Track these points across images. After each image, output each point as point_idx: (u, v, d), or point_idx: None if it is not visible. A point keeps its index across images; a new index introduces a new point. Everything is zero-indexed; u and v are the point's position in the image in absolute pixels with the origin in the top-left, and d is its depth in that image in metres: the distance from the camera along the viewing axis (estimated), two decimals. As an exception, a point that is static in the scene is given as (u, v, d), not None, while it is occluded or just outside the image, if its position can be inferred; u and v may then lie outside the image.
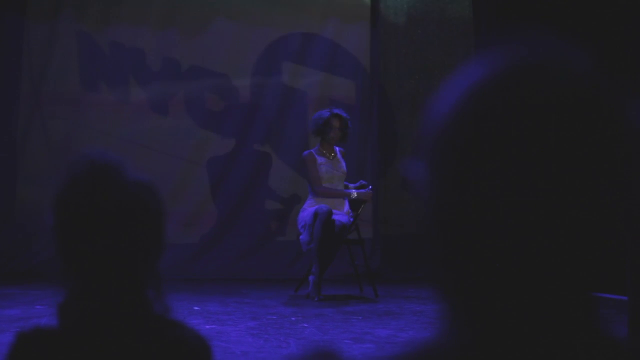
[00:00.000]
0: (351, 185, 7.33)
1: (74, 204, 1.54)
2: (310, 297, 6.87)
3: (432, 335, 0.82)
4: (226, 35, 9.03)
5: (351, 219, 7.06)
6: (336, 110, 7.28)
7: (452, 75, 0.84)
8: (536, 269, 0.76)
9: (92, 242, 1.54)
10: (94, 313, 1.59)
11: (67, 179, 1.57)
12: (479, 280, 0.79)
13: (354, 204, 7.40)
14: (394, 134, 8.85)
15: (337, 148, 7.35)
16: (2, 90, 8.73)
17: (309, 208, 7.04)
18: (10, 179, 8.76)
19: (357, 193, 7.13)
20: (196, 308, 6.28)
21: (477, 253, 0.78)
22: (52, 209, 1.56)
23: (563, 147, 0.75)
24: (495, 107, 0.77)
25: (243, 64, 9.04)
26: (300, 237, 6.98)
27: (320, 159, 7.18)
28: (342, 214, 7.03)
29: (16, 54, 8.81)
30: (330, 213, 6.72)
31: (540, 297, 0.77)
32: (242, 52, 9.03)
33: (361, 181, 7.43)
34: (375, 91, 8.97)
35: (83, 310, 1.59)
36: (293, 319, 5.85)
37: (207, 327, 5.38)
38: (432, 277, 0.84)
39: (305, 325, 5.59)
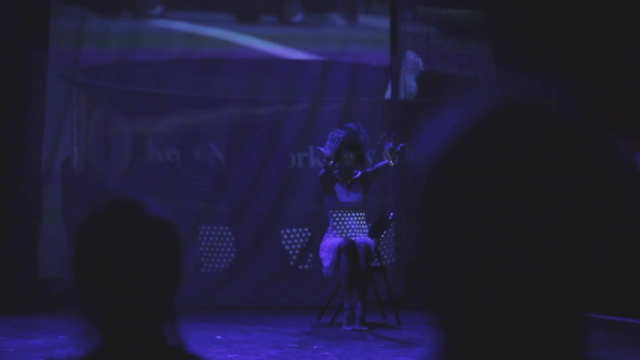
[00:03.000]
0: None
1: (94, 238, 1.58)
2: (333, 324, 6.87)
3: None
4: (248, 64, 9.10)
5: (373, 245, 7.02)
6: (347, 126, 7.22)
7: (444, 112, 0.87)
8: (529, 293, 0.78)
9: (110, 276, 1.57)
10: (110, 345, 1.61)
11: (89, 212, 1.62)
12: (474, 307, 0.80)
13: (374, 232, 7.38)
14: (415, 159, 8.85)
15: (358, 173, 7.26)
16: (28, 120, 8.83)
17: (331, 238, 7.03)
18: (36, 210, 8.83)
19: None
20: (218, 337, 6.28)
21: (470, 280, 0.80)
22: (73, 242, 1.60)
23: (551, 182, 0.77)
24: (486, 145, 0.80)
25: (264, 93, 9.10)
26: (323, 266, 6.98)
27: (337, 185, 7.11)
28: (363, 238, 7.00)
29: (41, 85, 8.91)
30: (353, 247, 6.75)
31: (532, 319, 0.79)
32: (263, 81, 9.09)
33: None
34: (396, 115, 8.98)
35: (99, 342, 1.61)
36: (315, 347, 5.85)
37: (229, 356, 5.38)
38: (428, 304, 0.86)
39: (327, 353, 5.58)
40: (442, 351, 0.84)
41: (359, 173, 7.18)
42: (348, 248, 6.77)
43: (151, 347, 1.61)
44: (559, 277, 0.78)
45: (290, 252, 8.95)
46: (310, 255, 8.81)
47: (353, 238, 6.93)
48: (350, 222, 7.09)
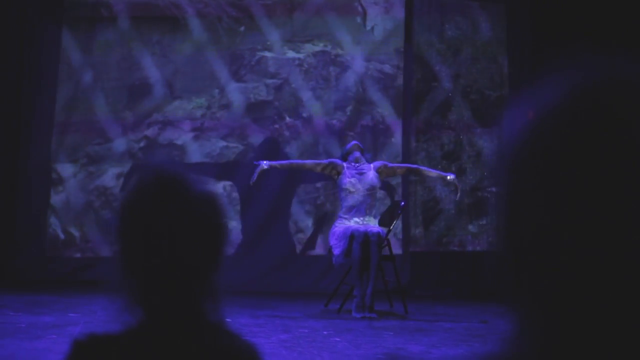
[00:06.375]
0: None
1: (139, 213, 1.58)
2: (340, 311, 6.89)
3: (500, 349, 0.82)
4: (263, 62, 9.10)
5: (383, 233, 7.06)
6: (356, 142, 7.50)
7: (525, 93, 0.85)
8: (614, 283, 0.76)
9: (154, 249, 1.57)
10: (150, 320, 1.61)
11: (135, 187, 1.61)
12: (556, 294, 0.79)
13: (385, 220, 7.41)
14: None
15: (378, 163, 7.37)
16: (40, 97, 8.84)
17: (341, 225, 7.06)
18: (45, 187, 8.85)
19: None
20: (228, 320, 6.27)
21: (556, 267, 0.78)
22: (117, 215, 1.60)
23: None
24: (574, 126, 0.78)
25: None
26: (333, 253, 7.00)
27: (347, 171, 7.19)
28: (374, 226, 7.05)
29: (54, 62, 8.92)
30: (367, 235, 6.78)
31: (619, 314, 0.76)
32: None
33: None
34: (408, 109, 8.96)
35: (139, 316, 1.61)
36: (325, 332, 5.86)
37: (240, 339, 5.38)
38: (507, 291, 0.84)
39: (338, 339, 5.59)
40: (520, 341, 0.82)
41: (378, 164, 7.29)
42: (360, 235, 6.79)
43: (192, 323, 1.62)
44: None
45: (297, 239, 8.95)
46: (317, 241, 8.82)
47: (365, 226, 6.95)
48: (361, 208, 7.11)
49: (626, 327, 0.76)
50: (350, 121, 8.93)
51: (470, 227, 8.54)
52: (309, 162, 7.58)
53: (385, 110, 9.00)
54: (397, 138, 8.98)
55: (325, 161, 7.42)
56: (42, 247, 8.80)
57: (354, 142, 7.53)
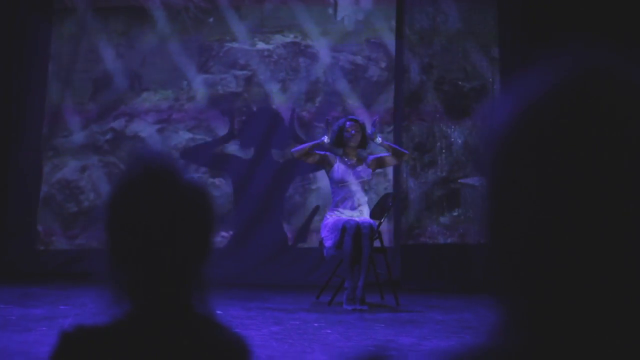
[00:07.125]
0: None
1: (127, 204, 1.57)
2: (332, 303, 6.89)
3: (488, 341, 0.82)
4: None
5: (375, 226, 7.06)
6: (351, 117, 7.36)
7: (508, 88, 0.85)
8: (599, 276, 0.76)
9: (142, 241, 1.56)
10: (137, 312, 1.60)
11: (123, 178, 1.61)
12: (542, 288, 0.78)
13: (377, 213, 7.40)
14: (416, 144, 8.83)
15: (370, 157, 7.34)
16: (31, 94, 8.82)
17: (333, 217, 7.05)
18: (36, 180, 8.84)
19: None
20: (218, 312, 6.28)
21: (544, 264, 0.78)
22: (106, 207, 1.59)
23: (632, 157, 0.75)
24: (560, 117, 0.77)
25: (266, 76, 9.06)
26: (324, 245, 7.01)
27: (338, 164, 7.17)
28: (366, 219, 7.05)
29: (44, 59, 8.90)
30: (358, 227, 6.78)
31: (606, 305, 0.76)
32: (270, 66, 9.05)
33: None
34: (398, 100, 8.95)
35: (127, 308, 1.61)
36: (316, 324, 5.87)
37: (231, 331, 5.38)
38: (492, 285, 0.84)
39: (329, 331, 5.60)
40: (509, 333, 0.82)
41: (370, 157, 7.27)
42: (352, 228, 6.79)
43: (179, 314, 1.61)
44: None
45: (289, 230, 8.95)
46: (309, 234, 8.82)
47: (356, 218, 6.95)
48: (352, 201, 7.11)
49: (613, 318, 0.76)
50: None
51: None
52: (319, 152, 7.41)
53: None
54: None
55: (321, 152, 7.31)
56: (33, 240, 8.79)
57: (352, 129, 7.20)
